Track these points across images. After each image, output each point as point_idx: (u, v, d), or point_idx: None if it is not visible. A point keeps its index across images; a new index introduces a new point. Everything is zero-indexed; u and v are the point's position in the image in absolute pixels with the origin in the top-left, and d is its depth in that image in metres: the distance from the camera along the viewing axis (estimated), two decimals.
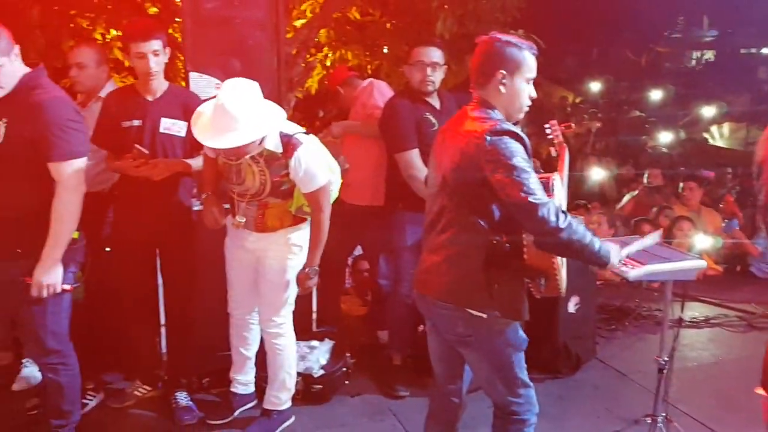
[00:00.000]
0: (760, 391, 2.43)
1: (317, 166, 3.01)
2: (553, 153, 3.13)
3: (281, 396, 3.36)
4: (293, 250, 3.15)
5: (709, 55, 20.18)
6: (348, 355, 3.92)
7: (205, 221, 3.17)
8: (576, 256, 2.35)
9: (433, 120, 3.69)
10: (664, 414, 3.30)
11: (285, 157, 2.95)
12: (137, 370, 3.65)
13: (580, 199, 6.68)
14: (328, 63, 6.04)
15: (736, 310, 5.21)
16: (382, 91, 4.20)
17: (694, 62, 20.28)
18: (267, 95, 2.98)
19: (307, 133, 3.06)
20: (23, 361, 3.71)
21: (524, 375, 2.51)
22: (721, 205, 7.17)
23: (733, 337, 4.80)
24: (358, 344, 4.31)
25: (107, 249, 3.45)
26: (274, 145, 2.95)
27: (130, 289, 3.42)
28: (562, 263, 2.44)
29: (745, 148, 12.53)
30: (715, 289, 5.51)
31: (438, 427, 2.75)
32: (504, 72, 2.34)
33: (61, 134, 2.69)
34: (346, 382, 3.85)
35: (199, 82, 3.64)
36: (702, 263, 3.13)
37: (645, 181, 8.02)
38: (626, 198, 7.59)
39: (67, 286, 2.81)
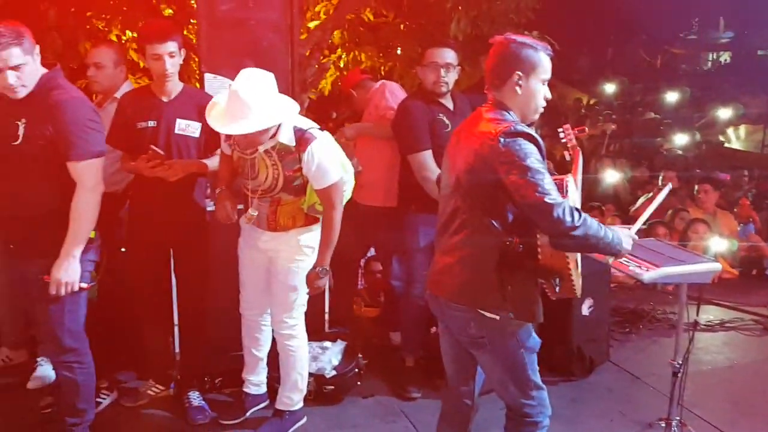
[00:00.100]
0: None
1: (330, 162, 3.00)
2: (567, 156, 3.12)
3: (293, 397, 3.37)
4: (305, 251, 3.15)
5: (726, 56, 20.03)
6: (360, 356, 3.92)
7: (217, 215, 3.18)
8: (591, 251, 2.36)
9: (447, 121, 3.68)
10: (678, 418, 3.28)
11: (298, 151, 2.95)
12: (150, 369, 3.67)
13: (594, 201, 6.66)
14: (341, 64, 6.06)
15: (751, 313, 5.16)
16: (394, 92, 4.20)
17: (710, 64, 20.13)
18: None
19: (321, 129, 3.07)
20: (38, 359, 3.74)
21: (537, 377, 2.50)
22: (735, 209, 7.10)
23: (749, 341, 4.75)
24: (371, 345, 4.31)
25: (123, 249, 3.47)
26: (287, 138, 2.96)
27: (143, 288, 3.44)
28: (576, 264, 2.43)
29: (761, 151, 12.44)
30: (730, 292, 5.46)
31: (450, 429, 2.75)
32: (520, 73, 2.33)
33: (80, 134, 2.73)
34: (359, 383, 3.84)
35: (214, 83, 3.65)
36: (717, 266, 3.10)
37: (660, 183, 7.96)
38: (641, 200, 7.53)
39: (84, 285, 2.84)
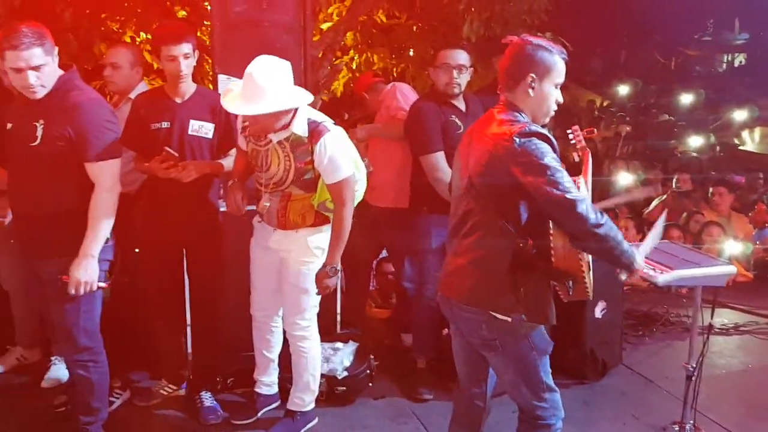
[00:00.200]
0: None
1: (342, 156, 2.99)
2: (576, 158, 3.11)
3: (305, 398, 3.37)
4: (315, 252, 3.13)
5: (741, 58, 19.86)
6: (372, 357, 3.92)
7: (227, 206, 3.18)
8: (608, 255, 2.32)
9: (459, 123, 3.68)
10: (692, 421, 3.25)
11: (311, 143, 2.96)
12: (163, 369, 3.69)
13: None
14: (353, 66, 6.07)
15: (766, 317, 5.11)
16: (404, 93, 4.20)
17: (724, 65, 19.97)
18: None
19: (336, 124, 3.07)
20: (51, 358, 3.77)
21: (549, 379, 2.49)
22: (751, 213, 7.04)
23: (763, 345, 4.71)
24: (382, 347, 4.31)
25: (137, 250, 3.49)
26: (301, 129, 2.96)
27: (156, 288, 3.46)
28: (588, 266, 2.42)
29: None
30: (744, 295, 5.42)
31: (462, 431, 2.74)
32: (533, 76, 2.33)
33: (98, 135, 2.77)
34: (370, 384, 3.84)
35: (227, 85, 3.67)
36: (732, 269, 3.08)
37: (674, 185, 7.91)
38: (654, 203, 7.49)
39: (102, 284, 2.86)
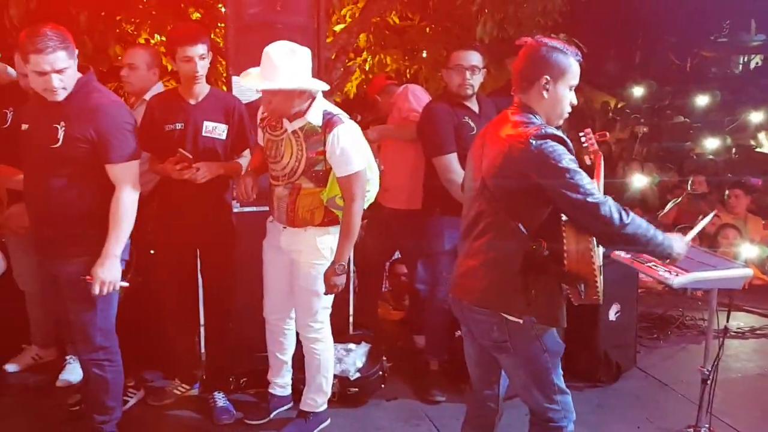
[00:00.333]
0: None
1: (354, 150, 2.99)
2: (588, 161, 3.10)
3: (318, 399, 3.38)
4: (324, 254, 3.12)
5: (757, 59, 19.67)
6: (384, 358, 3.92)
7: (237, 192, 3.18)
8: (642, 250, 2.32)
9: (472, 124, 3.67)
10: (707, 425, 3.22)
11: (324, 133, 2.96)
12: (177, 369, 3.71)
13: (621, 205, 6.56)
14: (366, 67, 6.07)
15: None
16: (416, 95, 4.19)
17: (740, 67, 19.79)
18: None
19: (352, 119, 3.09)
20: (66, 358, 3.80)
21: (561, 381, 2.47)
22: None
23: None
24: (395, 348, 4.31)
25: (152, 252, 3.51)
26: (316, 119, 2.98)
27: (170, 289, 3.47)
28: (600, 270, 2.40)
29: None
30: (761, 299, 5.36)
31: None
32: (548, 77, 2.31)
33: (120, 137, 2.80)
34: (382, 385, 3.84)
35: (241, 86, 3.69)
36: (749, 272, 3.04)
37: (689, 188, 7.85)
38: (669, 205, 7.44)
39: (124, 283, 2.89)
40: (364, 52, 6.07)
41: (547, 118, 2.36)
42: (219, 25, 5.28)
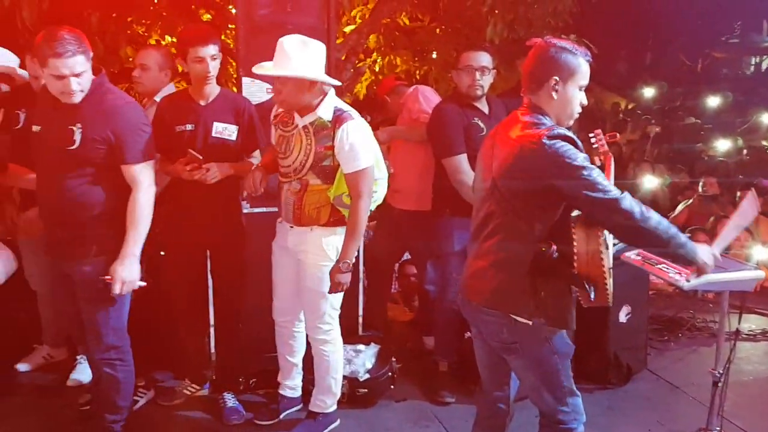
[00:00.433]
0: None
1: (363, 146, 2.99)
2: (598, 162, 3.09)
3: (327, 400, 3.38)
4: (330, 255, 3.11)
5: None
6: (394, 359, 3.92)
7: (245, 184, 3.20)
8: (663, 248, 2.29)
9: (482, 125, 3.67)
10: (718, 428, 3.20)
11: (333, 128, 2.97)
12: (187, 369, 3.72)
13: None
14: (376, 68, 6.08)
15: None
16: (427, 96, 4.19)
17: (752, 68, 19.67)
18: None
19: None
20: (77, 357, 3.82)
21: (571, 383, 2.46)
22: None
23: None
24: (404, 349, 4.31)
25: (162, 253, 3.53)
26: (326, 114, 2.99)
27: (180, 289, 3.48)
28: (610, 273, 2.39)
29: None
30: None
31: None
32: (557, 78, 2.31)
33: (136, 137, 2.84)
34: (392, 387, 3.84)
35: (251, 87, 3.70)
36: (761, 274, 3.02)
37: (700, 189, 7.80)
38: (680, 207, 7.40)
39: (142, 283, 2.91)
40: (374, 53, 6.07)
41: (557, 119, 2.36)
42: (229, 26, 5.30)
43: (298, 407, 3.56)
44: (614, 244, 2.67)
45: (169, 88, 3.63)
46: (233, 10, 4.65)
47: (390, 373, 3.84)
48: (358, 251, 3.59)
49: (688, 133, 12.12)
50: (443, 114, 3.72)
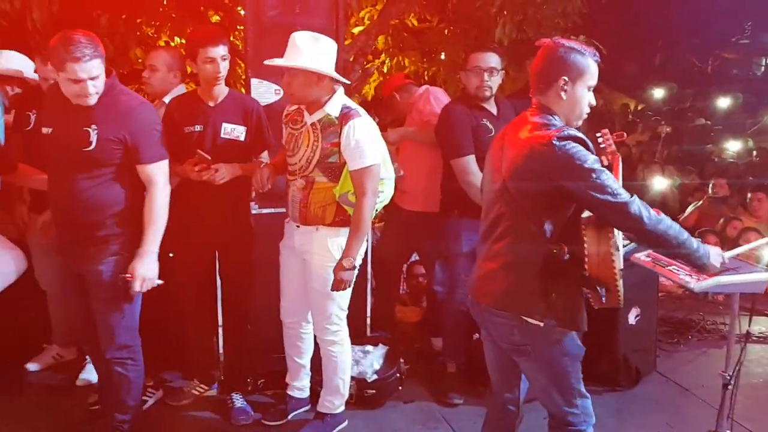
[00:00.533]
0: None
1: (369, 144, 3.00)
2: (605, 162, 3.07)
3: (335, 401, 3.38)
4: (336, 256, 3.10)
5: None
6: (402, 361, 3.91)
7: (253, 180, 3.22)
8: (675, 250, 2.31)
9: (490, 126, 3.66)
10: (728, 431, 3.18)
11: (340, 125, 2.99)
12: (195, 369, 3.73)
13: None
14: (385, 69, 6.08)
15: None
16: (438, 97, 4.18)
17: (762, 68, 19.57)
18: None
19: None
20: (86, 357, 3.82)
21: (581, 385, 2.46)
22: None
23: None
24: (413, 350, 4.30)
25: (171, 255, 3.53)
26: (334, 111, 3.01)
27: (189, 290, 3.49)
28: (620, 274, 2.38)
29: None
30: None
31: None
32: (566, 78, 2.30)
33: (151, 137, 2.88)
34: (400, 388, 3.84)
35: (259, 89, 3.71)
36: None
37: (710, 191, 7.77)
38: (690, 208, 7.36)
39: (160, 281, 2.94)
40: (383, 54, 6.08)
41: (566, 120, 2.35)
42: (238, 27, 5.32)
43: (306, 408, 3.56)
44: (624, 246, 2.67)
45: (179, 89, 3.64)
46: (242, 12, 4.66)
47: (398, 375, 3.83)
48: (366, 252, 3.58)
49: (698, 135, 12.09)
50: (451, 115, 3.71)
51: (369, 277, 4.07)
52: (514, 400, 2.63)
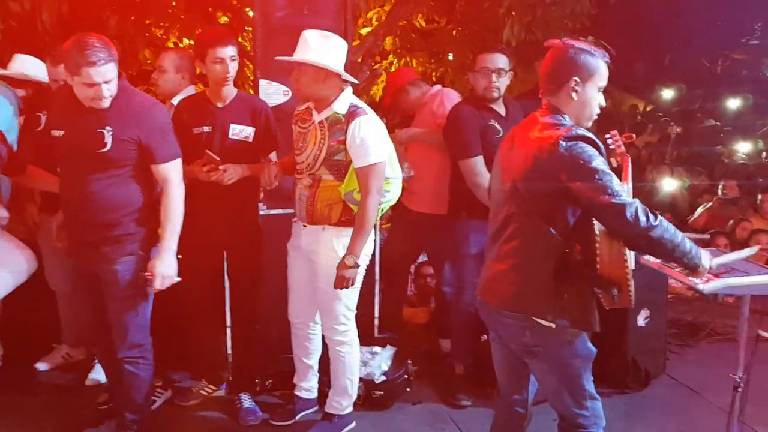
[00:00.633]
0: None
1: (374, 141, 3.00)
2: (614, 164, 3.06)
3: (343, 401, 3.38)
4: (341, 256, 3.09)
5: None
6: (410, 362, 3.91)
7: (261, 178, 3.25)
8: (668, 257, 2.29)
9: (498, 127, 3.65)
10: None
11: (347, 122, 3.00)
12: (203, 369, 3.74)
13: (651, 209, 6.49)
14: (393, 70, 6.08)
15: None
16: (452, 99, 4.13)
17: None
18: None
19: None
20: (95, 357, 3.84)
21: (591, 387, 2.45)
22: None
23: None
24: (420, 352, 4.29)
25: (179, 256, 3.54)
26: (341, 109, 3.02)
27: (197, 290, 3.49)
28: (631, 274, 2.37)
29: None
30: None
31: None
32: (577, 79, 2.31)
33: (165, 137, 2.92)
34: (408, 389, 3.83)
35: (268, 90, 3.72)
36: None
37: (720, 192, 7.73)
38: (699, 210, 7.33)
39: (178, 278, 2.97)
40: (390, 55, 6.08)
41: (577, 120, 2.35)
42: (246, 28, 5.33)
43: (314, 409, 3.56)
44: None
45: (188, 91, 3.65)
46: (250, 13, 4.67)
47: (406, 376, 3.83)
48: (374, 253, 3.58)
49: (707, 136, 12.03)
50: (459, 116, 3.71)
51: (377, 278, 4.07)
52: (523, 402, 2.62)
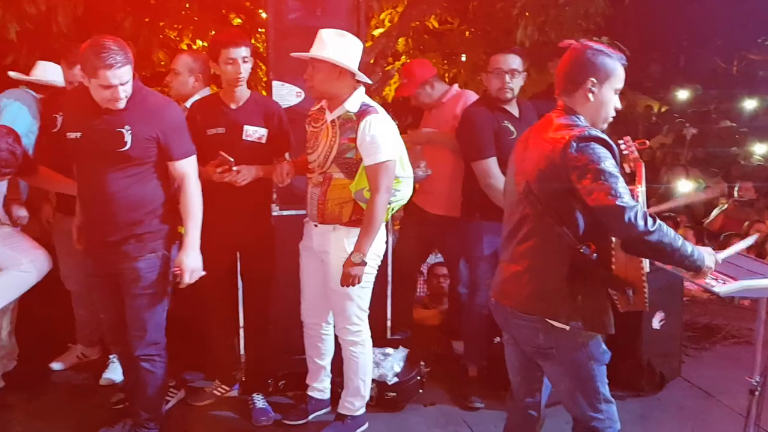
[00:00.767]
0: None
1: (385, 139, 3.01)
2: (628, 169, 3.04)
3: (356, 402, 3.37)
4: None
5: None
6: (422, 363, 3.90)
7: (273, 175, 3.26)
8: (667, 261, 2.29)
9: (512, 128, 3.63)
10: None
11: (358, 120, 3.01)
12: (217, 370, 3.75)
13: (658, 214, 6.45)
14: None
15: None
16: (471, 101, 4.09)
17: None
18: None
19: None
20: (110, 356, 3.87)
21: (606, 390, 2.43)
22: None
23: None
24: (433, 353, 4.28)
25: None
26: (353, 108, 3.04)
27: (210, 291, 3.50)
28: (646, 276, 2.35)
29: None
30: None
31: None
32: (594, 80, 2.30)
33: (181, 135, 2.97)
34: (420, 390, 3.82)
35: (281, 91, 3.73)
36: None
37: (735, 194, 7.66)
38: (715, 212, 7.27)
39: (203, 272, 3.01)
40: (403, 56, 6.08)
41: (592, 122, 2.34)
42: (259, 30, 5.35)
43: (327, 409, 3.56)
44: None
45: (203, 93, 3.66)
46: (263, 14, 4.68)
47: (419, 377, 3.82)
48: (386, 254, 3.58)
49: (723, 137, 11.92)
50: (473, 117, 3.69)
51: (389, 279, 4.07)
52: (536, 405, 2.60)
